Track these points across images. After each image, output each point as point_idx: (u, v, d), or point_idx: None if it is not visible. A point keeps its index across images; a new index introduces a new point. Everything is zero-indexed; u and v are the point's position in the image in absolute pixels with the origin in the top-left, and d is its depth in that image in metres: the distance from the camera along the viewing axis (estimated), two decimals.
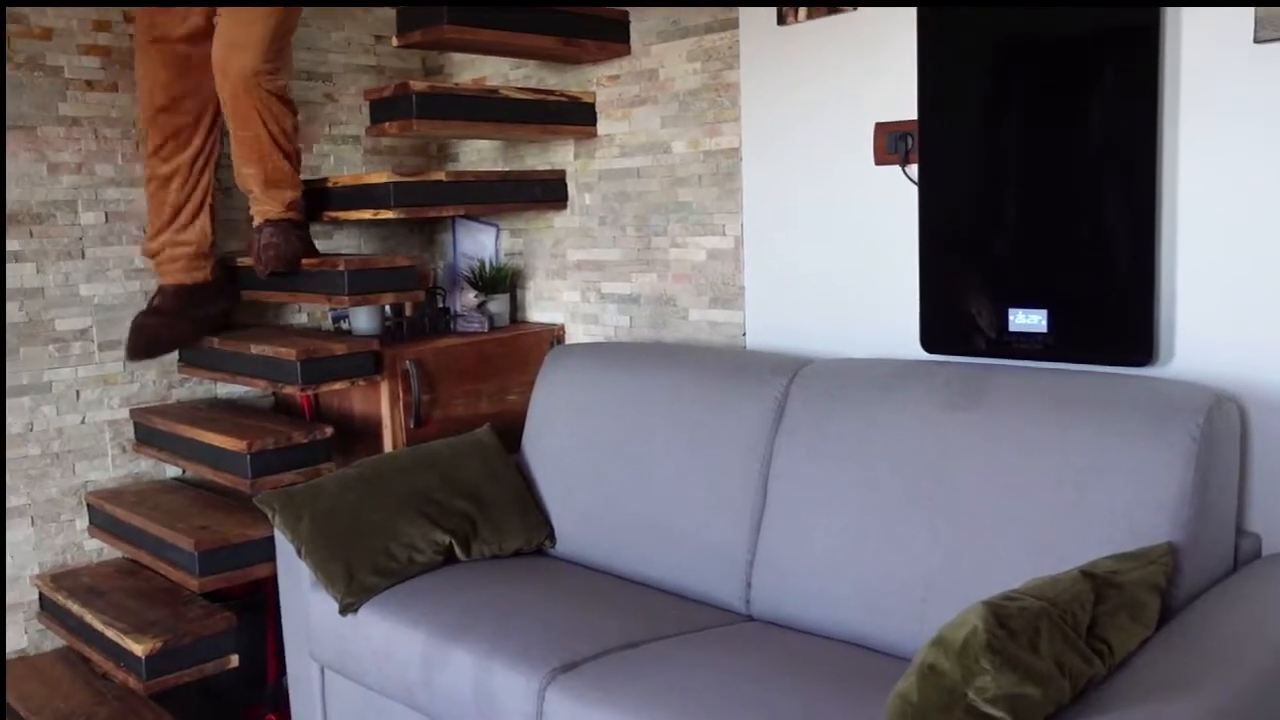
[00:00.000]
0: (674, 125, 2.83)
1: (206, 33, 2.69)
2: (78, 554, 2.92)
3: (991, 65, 2.15)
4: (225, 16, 2.63)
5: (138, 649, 2.42)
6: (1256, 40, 1.87)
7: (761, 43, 2.59)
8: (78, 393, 2.90)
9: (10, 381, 2.79)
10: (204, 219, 2.87)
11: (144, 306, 2.92)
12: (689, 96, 2.78)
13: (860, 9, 2.38)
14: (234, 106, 2.67)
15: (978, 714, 1.35)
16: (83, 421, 2.90)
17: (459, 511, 2.48)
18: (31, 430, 2.83)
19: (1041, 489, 1.84)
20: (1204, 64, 1.93)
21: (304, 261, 2.84)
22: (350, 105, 3.37)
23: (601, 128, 3.02)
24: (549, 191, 3.10)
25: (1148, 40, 1.94)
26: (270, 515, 2.37)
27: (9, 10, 2.72)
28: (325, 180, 2.96)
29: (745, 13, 2.60)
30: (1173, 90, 1.96)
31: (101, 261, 2.90)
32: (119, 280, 2.95)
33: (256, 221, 2.81)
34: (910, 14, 2.25)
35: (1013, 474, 1.88)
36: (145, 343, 2.86)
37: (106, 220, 2.92)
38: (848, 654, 1.96)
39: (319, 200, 2.97)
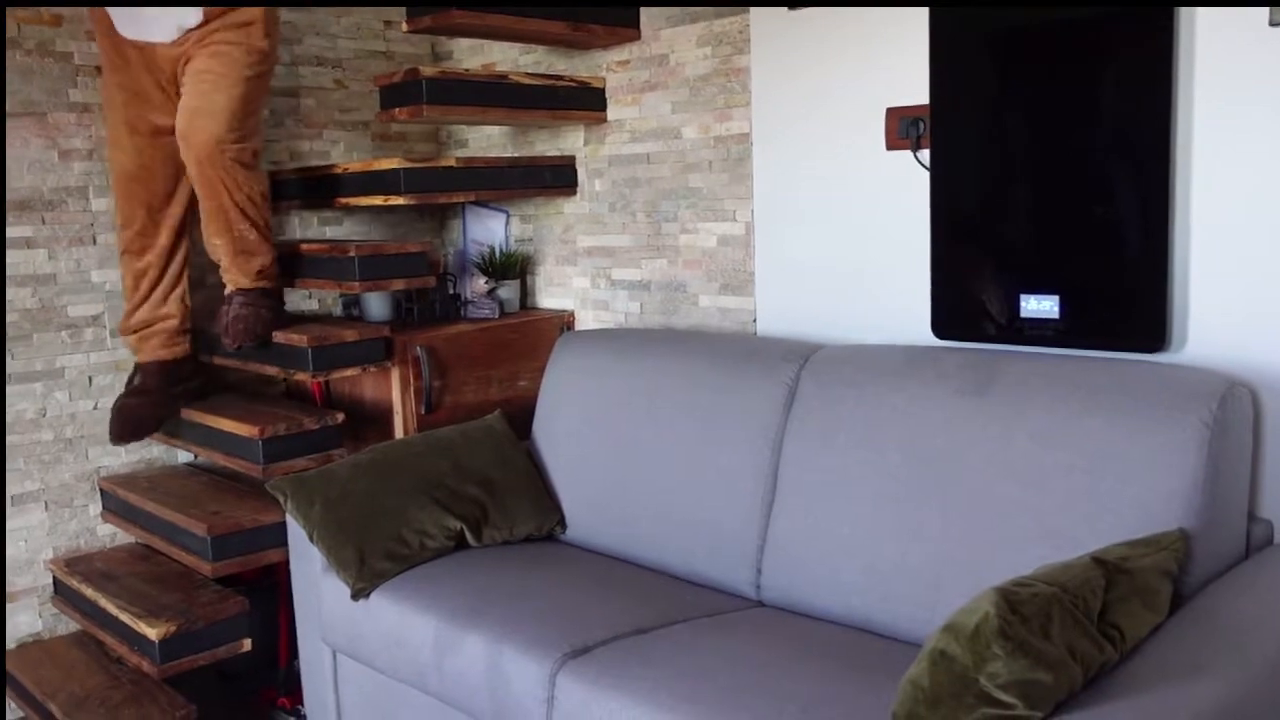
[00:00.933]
0: (684, 110, 2.82)
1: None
2: (91, 539, 2.94)
3: (1004, 49, 2.14)
4: (190, 85, 2.57)
5: (151, 633, 2.43)
6: (1272, 23, 1.86)
7: (772, 27, 2.57)
8: (90, 378, 2.91)
9: (23, 367, 2.80)
10: (183, 289, 2.81)
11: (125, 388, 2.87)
12: (699, 82, 2.77)
13: None
14: (199, 175, 2.59)
15: (989, 700, 1.35)
16: (95, 407, 2.92)
17: (470, 497, 2.48)
18: (45, 416, 2.84)
19: (1053, 475, 1.84)
20: (1219, 47, 1.92)
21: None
22: (360, 91, 3.37)
23: (611, 113, 3.01)
24: (559, 177, 3.10)
25: (1162, 24, 1.93)
26: (282, 500, 2.38)
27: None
28: (335, 167, 2.96)
29: None
30: (1187, 74, 1.95)
31: (113, 248, 2.90)
32: None
33: (227, 290, 2.75)
34: None
35: (1024, 460, 1.88)
36: (131, 425, 2.78)
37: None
38: (858, 640, 1.97)
39: (330, 187, 2.97)
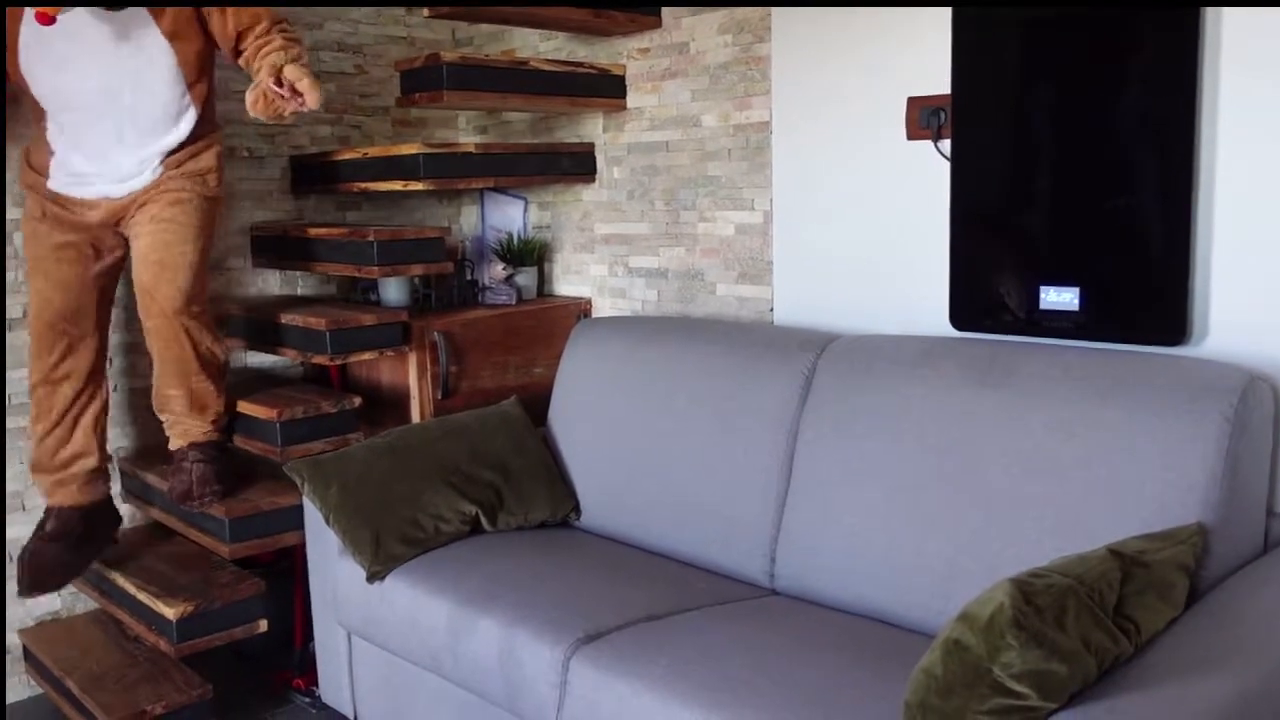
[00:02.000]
0: (704, 99, 2.81)
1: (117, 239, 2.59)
2: None
3: (1027, 38, 2.12)
4: (150, 234, 2.51)
5: (169, 612, 2.45)
6: None
7: (793, 15, 2.56)
8: (110, 359, 2.92)
9: None
10: (103, 425, 2.65)
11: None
12: (719, 70, 2.76)
13: None
14: (161, 327, 2.56)
15: (1003, 690, 1.35)
16: (114, 389, 2.93)
17: (485, 482, 2.49)
18: None
19: (1070, 468, 1.83)
20: (1246, 35, 1.90)
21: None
22: (380, 76, 3.37)
23: (631, 101, 3.01)
24: (578, 164, 3.09)
25: (1189, 16, 1.91)
26: (299, 483, 2.39)
27: None
28: (354, 151, 2.96)
29: None
30: (1213, 62, 1.93)
31: None
32: None
33: (176, 445, 2.66)
34: None
35: (1042, 452, 1.87)
36: (45, 574, 2.57)
37: None
38: (871, 629, 1.97)
39: (349, 172, 2.97)
